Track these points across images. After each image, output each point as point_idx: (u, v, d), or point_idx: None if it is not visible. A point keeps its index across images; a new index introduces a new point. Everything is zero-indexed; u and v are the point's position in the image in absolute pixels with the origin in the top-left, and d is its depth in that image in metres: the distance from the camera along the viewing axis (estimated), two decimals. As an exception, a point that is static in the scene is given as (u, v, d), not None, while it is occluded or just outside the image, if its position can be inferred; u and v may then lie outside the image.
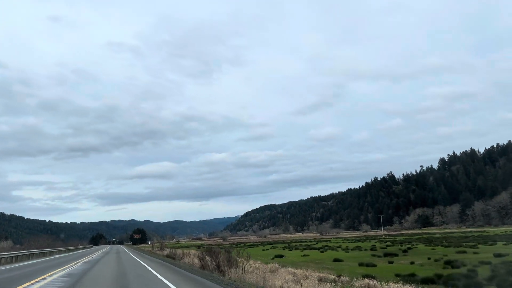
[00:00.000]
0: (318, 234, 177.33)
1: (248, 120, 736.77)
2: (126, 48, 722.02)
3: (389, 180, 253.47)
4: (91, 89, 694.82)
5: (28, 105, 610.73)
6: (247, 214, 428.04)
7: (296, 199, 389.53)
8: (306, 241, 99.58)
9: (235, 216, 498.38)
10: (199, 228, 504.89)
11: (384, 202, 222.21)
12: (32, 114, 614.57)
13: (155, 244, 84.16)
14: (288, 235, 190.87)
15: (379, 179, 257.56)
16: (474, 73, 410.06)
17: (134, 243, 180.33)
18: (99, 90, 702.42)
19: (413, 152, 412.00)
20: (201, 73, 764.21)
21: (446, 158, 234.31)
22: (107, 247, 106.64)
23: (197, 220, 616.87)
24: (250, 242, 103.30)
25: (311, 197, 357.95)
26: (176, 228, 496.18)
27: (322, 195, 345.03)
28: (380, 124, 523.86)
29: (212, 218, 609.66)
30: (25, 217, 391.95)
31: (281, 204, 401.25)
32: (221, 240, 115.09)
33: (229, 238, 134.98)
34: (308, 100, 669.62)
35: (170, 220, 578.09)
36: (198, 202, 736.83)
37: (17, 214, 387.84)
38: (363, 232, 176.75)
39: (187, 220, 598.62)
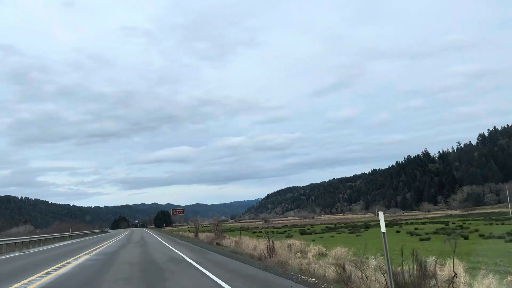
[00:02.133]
0: (371, 215, 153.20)
1: (264, 103, 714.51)
2: (140, 33, 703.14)
3: (424, 158, 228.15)
4: (108, 75, 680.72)
5: (46, 92, 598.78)
6: (269, 196, 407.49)
7: (315, 181, 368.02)
8: (413, 222, 68.97)
9: (255, 199, 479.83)
10: (220, 211, 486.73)
11: (424, 181, 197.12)
12: (51, 101, 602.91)
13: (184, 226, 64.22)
14: (338, 216, 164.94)
15: (412, 157, 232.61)
16: (498, 49, 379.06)
17: (158, 226, 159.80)
18: (115, 76, 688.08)
19: (434, 132, 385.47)
20: (216, 56, 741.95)
21: (486, 134, 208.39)
22: (126, 232, 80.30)
23: (218, 203, 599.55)
24: (307, 225, 76.72)
25: (334, 178, 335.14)
26: (197, 211, 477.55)
27: (343, 176, 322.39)
28: (400, 104, 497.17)
29: (232, 201, 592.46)
30: (49, 202, 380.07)
31: (303, 186, 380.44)
32: (263, 222, 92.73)
33: (272, 220, 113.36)
34: (325, 81, 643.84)
35: (191, 204, 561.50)
36: (218, 186, 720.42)
37: (42, 199, 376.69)
38: (425, 212, 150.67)
39: (208, 203, 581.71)
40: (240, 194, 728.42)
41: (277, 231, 55.15)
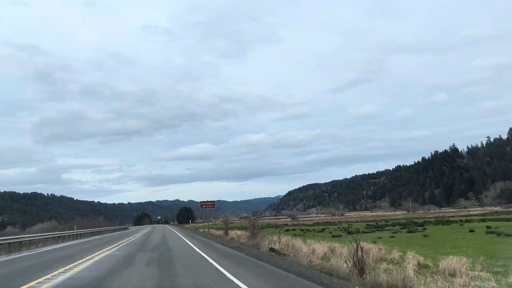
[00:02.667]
0: (404, 212, 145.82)
1: (284, 99, 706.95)
2: (160, 31, 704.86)
3: (452, 153, 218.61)
4: (129, 73, 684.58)
5: (70, 91, 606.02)
6: (290, 193, 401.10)
7: (337, 178, 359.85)
8: (463, 220, 60.16)
9: (276, 196, 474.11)
10: (241, 207, 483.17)
11: (453, 176, 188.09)
12: (75, 100, 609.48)
13: (212, 223, 58.47)
14: (367, 213, 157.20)
15: (439, 152, 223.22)
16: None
17: (180, 222, 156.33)
18: (136, 74, 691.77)
19: (459, 128, 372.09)
20: (235, 53, 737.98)
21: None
22: (145, 229, 67.58)
23: (239, 200, 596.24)
24: (341, 222, 70.74)
25: (357, 175, 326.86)
26: (219, 207, 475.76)
27: (366, 173, 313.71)
28: (423, 99, 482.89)
29: (253, 198, 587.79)
30: (75, 199, 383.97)
31: (325, 183, 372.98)
32: (290, 219, 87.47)
33: (299, 217, 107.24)
34: (345, 76, 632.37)
35: (212, 200, 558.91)
36: (238, 183, 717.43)
37: (67, 196, 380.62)
38: (461, 208, 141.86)
39: (229, 200, 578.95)
40: (260, 191, 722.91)
41: (314, 230, 49.43)
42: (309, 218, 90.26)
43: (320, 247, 18.70)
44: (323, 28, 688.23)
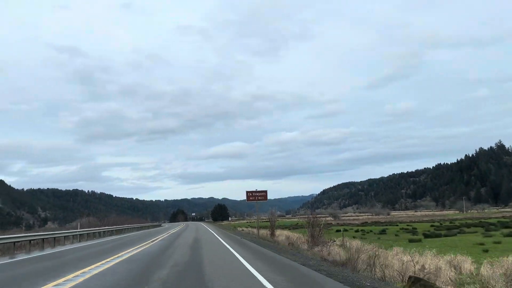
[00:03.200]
0: (455, 211, 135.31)
1: (318, 97, 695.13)
2: (194, 31, 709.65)
3: (498, 150, 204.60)
4: (165, 73, 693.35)
5: (109, 91, 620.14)
6: (324, 192, 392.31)
7: (372, 176, 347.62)
8: None
9: (310, 195, 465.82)
10: (275, 206, 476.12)
11: (501, 174, 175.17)
12: (114, 100, 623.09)
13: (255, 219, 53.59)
14: (416, 213, 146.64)
15: (484, 149, 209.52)
16: None
17: (215, 220, 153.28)
18: (172, 74, 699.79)
19: (502, 124, 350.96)
20: (268, 51, 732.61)
21: None
22: (177, 227, 60.53)
23: (272, 198, 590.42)
24: (394, 222, 65.37)
25: (394, 174, 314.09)
26: (252, 206, 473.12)
27: (404, 171, 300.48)
28: (463, 95, 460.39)
29: (286, 196, 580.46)
30: (114, 196, 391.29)
31: (360, 181, 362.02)
32: (332, 218, 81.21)
33: (342, 216, 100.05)
34: (381, 72, 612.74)
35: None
36: (271, 181, 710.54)
37: (107, 193, 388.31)
38: None
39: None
40: (293, 190, 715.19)
41: (370, 231, 42.70)
42: (353, 217, 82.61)
43: (437, 262, 13.09)
44: (357, 23, 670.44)
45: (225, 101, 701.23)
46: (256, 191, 31.05)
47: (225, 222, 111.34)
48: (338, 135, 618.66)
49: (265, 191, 31.74)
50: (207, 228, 49.41)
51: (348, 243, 16.83)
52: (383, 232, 42.11)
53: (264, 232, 32.79)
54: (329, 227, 50.42)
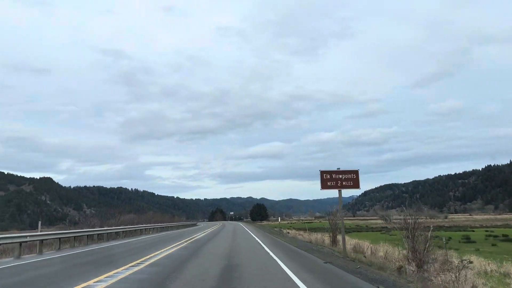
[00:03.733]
0: None
1: (358, 96, 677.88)
2: (233, 32, 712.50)
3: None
4: (205, 74, 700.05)
5: (151, 93, 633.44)
6: (366, 193, 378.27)
7: (416, 178, 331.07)
8: None
9: (350, 196, 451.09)
10: (314, 207, 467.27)
11: None
12: (156, 101, 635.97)
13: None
14: (478, 217, 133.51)
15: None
16: None
17: (253, 220, 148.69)
18: (211, 75, 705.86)
19: None
20: (307, 50, 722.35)
21: None
22: (210, 228, 52.26)
23: (311, 199, 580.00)
24: (464, 227, 57.12)
25: (440, 175, 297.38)
26: (291, 206, 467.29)
27: (452, 173, 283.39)
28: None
29: (326, 197, 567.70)
30: (156, 194, 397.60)
31: (404, 183, 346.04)
32: (383, 221, 73.62)
33: (394, 220, 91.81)
34: (425, 71, 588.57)
35: (284, 199, 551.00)
36: (310, 181, 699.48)
37: (149, 191, 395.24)
38: None
39: (301, 199, 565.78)
40: (333, 191, 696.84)
41: (450, 238, 34.94)
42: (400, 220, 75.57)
43: None
44: (400, 20, 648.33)
45: (264, 101, 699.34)
46: (340, 171, 17.66)
47: (264, 223, 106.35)
48: (379, 135, 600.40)
49: (356, 172, 17.86)
50: (247, 230, 40.76)
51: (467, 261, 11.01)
52: (467, 239, 35.18)
53: (317, 237, 26.87)
54: (385, 232, 43.62)
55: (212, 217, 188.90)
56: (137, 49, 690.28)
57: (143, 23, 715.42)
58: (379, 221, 68.89)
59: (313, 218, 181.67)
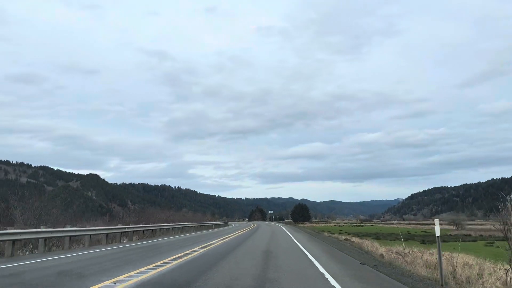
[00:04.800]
0: None
1: (404, 95, 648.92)
2: (275, 32, 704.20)
3: None
4: (246, 74, 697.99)
5: (194, 93, 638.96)
6: (413, 196, 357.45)
7: (467, 181, 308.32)
8: None
9: (395, 199, 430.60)
10: (356, 209, 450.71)
11: None
12: (199, 101, 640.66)
13: None
14: None
15: None
16: None
17: (295, 220, 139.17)
18: (253, 75, 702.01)
19: None
20: (350, 48, 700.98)
21: None
22: (244, 230, 45.18)
23: (353, 201, 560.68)
24: None
25: (493, 179, 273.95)
26: (332, 208, 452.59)
27: (506, 176, 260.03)
28: None
29: (369, 200, 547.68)
30: (198, 192, 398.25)
31: (454, 186, 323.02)
32: (454, 227, 61.97)
33: (467, 225, 77.30)
34: (476, 69, 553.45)
35: (326, 200, 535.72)
36: (352, 183, 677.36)
37: (191, 189, 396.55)
38: None
39: (343, 201, 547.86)
40: (376, 193, 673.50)
41: None
42: (478, 227, 59.90)
43: None
44: (449, 16, 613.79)
45: (305, 101, 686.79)
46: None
47: (307, 224, 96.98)
48: (426, 137, 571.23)
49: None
50: (292, 238, 27.25)
51: None
52: None
53: (378, 246, 17.84)
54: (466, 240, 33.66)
55: (251, 217, 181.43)
56: (181, 50, 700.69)
57: (187, 24, 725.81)
58: (446, 226, 57.54)
59: (358, 221, 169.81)
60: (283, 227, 55.87)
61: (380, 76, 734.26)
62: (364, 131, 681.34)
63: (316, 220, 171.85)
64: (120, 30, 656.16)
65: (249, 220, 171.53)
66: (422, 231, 52.41)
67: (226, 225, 77.11)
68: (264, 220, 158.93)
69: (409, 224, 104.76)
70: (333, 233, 38.18)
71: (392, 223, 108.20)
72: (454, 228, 57.48)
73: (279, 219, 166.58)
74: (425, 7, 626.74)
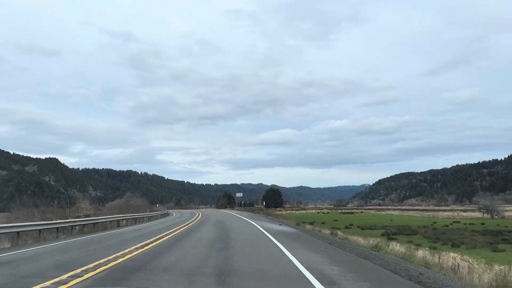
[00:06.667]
0: None
1: (371, 83, 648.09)
2: (244, 15, 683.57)
3: None
4: (215, 59, 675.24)
5: (161, 77, 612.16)
6: (380, 182, 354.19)
7: (431, 167, 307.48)
8: None
9: (362, 185, 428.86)
10: (325, 195, 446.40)
11: None
12: (166, 85, 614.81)
13: None
14: None
15: None
16: None
17: (267, 207, 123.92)
18: (222, 60, 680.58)
19: None
20: (319, 35, 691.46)
21: None
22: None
23: (321, 187, 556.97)
24: None
25: (459, 164, 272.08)
26: (302, 193, 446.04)
27: (476, 162, 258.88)
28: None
29: (336, 185, 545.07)
30: (166, 178, 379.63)
31: (421, 172, 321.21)
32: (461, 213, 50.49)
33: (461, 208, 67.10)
34: (441, 58, 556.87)
35: (295, 186, 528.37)
36: (320, 170, 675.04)
37: (159, 175, 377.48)
38: None
39: (312, 187, 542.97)
40: (344, 179, 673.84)
41: None
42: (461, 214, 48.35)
43: None
44: (416, 5, 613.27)
45: (274, 88, 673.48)
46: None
47: (284, 212, 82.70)
48: (392, 124, 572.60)
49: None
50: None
51: None
52: None
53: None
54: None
55: (218, 203, 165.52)
56: (147, 32, 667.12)
57: (153, 5, 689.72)
58: (448, 213, 45.26)
59: (332, 207, 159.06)
60: (257, 225, 30.07)
61: (348, 63, 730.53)
62: (332, 118, 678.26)
63: (288, 206, 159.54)
64: (81, 9, 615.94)
65: (217, 208, 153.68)
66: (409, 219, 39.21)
67: (167, 215, 54.01)
68: (232, 208, 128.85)
69: (407, 210, 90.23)
70: (338, 228, 24.06)
71: (389, 209, 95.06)
72: (488, 216, 45.33)
73: (249, 205, 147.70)
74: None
